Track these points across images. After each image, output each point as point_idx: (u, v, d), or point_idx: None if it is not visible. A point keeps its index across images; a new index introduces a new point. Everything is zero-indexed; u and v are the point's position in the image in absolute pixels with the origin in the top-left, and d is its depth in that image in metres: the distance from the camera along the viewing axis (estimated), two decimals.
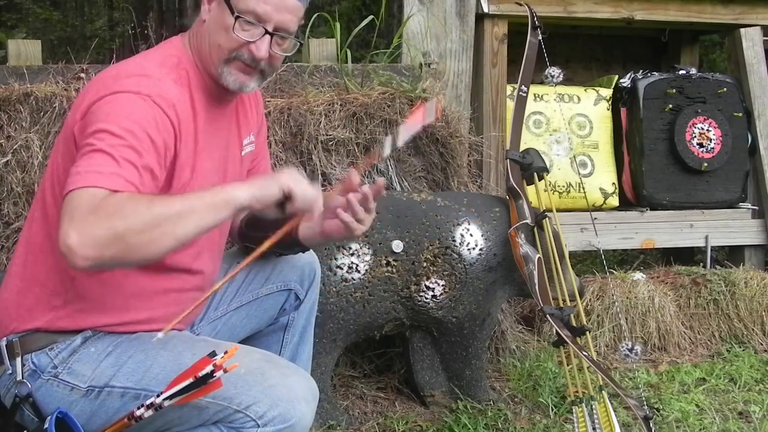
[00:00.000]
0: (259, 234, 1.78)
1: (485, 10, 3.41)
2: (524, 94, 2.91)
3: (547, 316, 2.44)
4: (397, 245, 2.54)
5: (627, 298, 3.31)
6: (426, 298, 2.57)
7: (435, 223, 2.59)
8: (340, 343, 2.56)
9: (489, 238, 2.61)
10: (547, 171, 2.87)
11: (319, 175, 2.81)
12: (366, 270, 2.51)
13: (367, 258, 2.52)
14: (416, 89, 2.97)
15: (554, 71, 3.00)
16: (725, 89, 3.82)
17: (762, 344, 3.36)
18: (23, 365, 1.64)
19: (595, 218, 3.42)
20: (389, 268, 2.54)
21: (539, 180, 2.79)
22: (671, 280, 3.50)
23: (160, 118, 1.58)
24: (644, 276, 3.47)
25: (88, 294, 1.66)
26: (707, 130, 3.76)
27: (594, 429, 2.25)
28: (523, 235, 2.57)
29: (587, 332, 2.49)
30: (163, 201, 1.48)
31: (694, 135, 3.74)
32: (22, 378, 1.63)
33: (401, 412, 2.66)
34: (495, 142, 3.43)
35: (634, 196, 3.81)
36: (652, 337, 3.29)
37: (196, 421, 1.61)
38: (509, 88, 3.50)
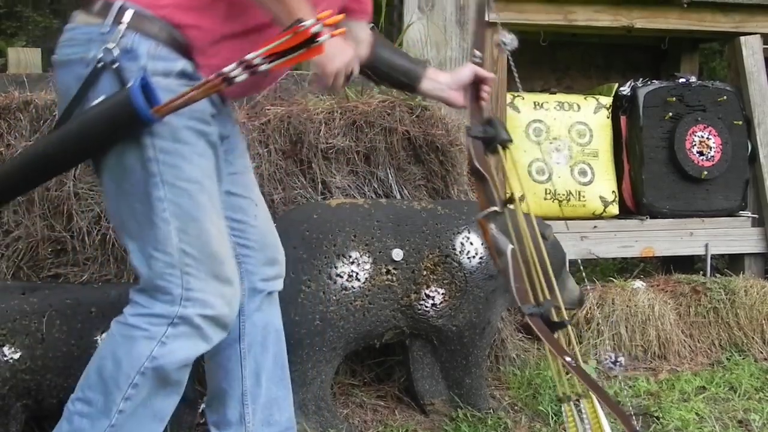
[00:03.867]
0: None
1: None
2: (478, 60, 2.55)
3: (526, 317, 2.21)
4: (397, 254, 2.53)
5: (627, 306, 3.31)
6: (426, 307, 2.56)
7: (435, 231, 2.58)
8: (340, 352, 2.55)
9: None
10: (511, 141, 2.37)
11: (320, 184, 2.81)
12: (366, 278, 2.51)
13: (367, 266, 2.51)
14: (416, 97, 2.97)
15: (506, 37, 2.58)
16: (725, 97, 3.82)
17: (762, 353, 3.36)
18: (123, 36, 1.58)
19: (595, 226, 3.42)
20: (389, 277, 2.53)
21: (503, 150, 2.47)
22: (671, 289, 3.49)
23: None
24: (644, 284, 3.47)
25: None
26: (707, 138, 3.76)
27: (584, 429, 2.22)
28: (493, 225, 2.17)
29: (567, 326, 2.27)
30: None
31: (694, 143, 3.75)
32: (116, 45, 1.58)
33: (401, 421, 2.66)
34: None
35: (634, 205, 3.81)
36: (652, 346, 3.28)
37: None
38: (509, 96, 3.51)
